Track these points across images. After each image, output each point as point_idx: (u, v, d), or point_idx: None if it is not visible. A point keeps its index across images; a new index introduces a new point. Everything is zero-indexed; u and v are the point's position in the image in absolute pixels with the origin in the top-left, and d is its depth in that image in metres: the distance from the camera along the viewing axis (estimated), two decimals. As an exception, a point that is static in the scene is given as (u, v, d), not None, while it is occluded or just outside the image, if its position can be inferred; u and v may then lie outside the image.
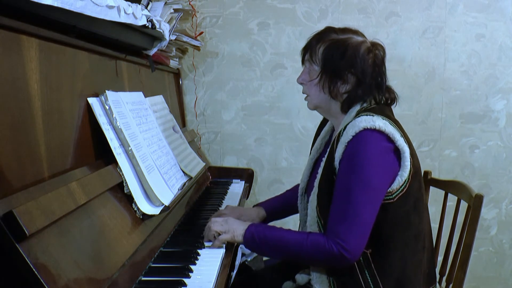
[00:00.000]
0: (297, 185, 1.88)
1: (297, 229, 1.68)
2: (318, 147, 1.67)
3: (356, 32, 1.50)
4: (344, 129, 1.38)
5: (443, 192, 1.88)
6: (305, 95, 1.55)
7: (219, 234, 1.47)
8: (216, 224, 1.49)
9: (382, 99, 1.48)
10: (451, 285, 1.65)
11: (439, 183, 1.95)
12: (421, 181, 1.46)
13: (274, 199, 1.91)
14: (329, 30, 1.51)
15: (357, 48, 1.44)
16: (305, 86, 1.54)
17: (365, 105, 1.46)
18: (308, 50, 1.52)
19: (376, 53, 1.47)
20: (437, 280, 1.63)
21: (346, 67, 1.44)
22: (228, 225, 1.48)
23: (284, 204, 1.85)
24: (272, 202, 1.88)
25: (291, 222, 2.06)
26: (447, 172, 2.86)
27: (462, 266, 1.59)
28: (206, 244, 1.49)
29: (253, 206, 1.87)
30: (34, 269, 0.85)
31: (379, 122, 1.34)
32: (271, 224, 1.74)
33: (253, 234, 1.43)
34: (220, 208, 1.93)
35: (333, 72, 1.46)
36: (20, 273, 0.86)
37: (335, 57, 1.45)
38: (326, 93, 1.48)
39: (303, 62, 1.55)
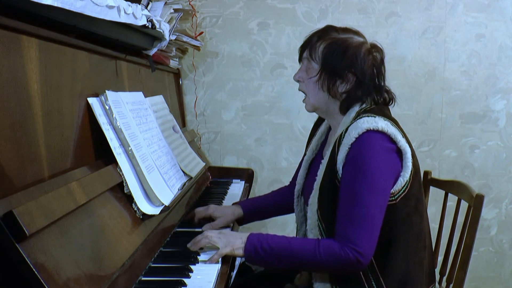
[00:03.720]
0: (283, 187, 1.87)
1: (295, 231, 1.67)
2: (314, 148, 1.65)
3: (356, 33, 1.50)
4: (345, 131, 1.37)
5: (443, 192, 1.88)
6: (304, 96, 1.53)
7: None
8: (212, 238, 1.41)
9: (380, 100, 1.48)
10: (451, 285, 1.65)
11: (439, 183, 1.94)
12: (421, 180, 1.46)
13: (255, 199, 1.88)
14: (330, 28, 1.50)
15: (358, 49, 1.44)
16: (302, 83, 1.52)
17: (364, 105, 1.45)
18: (307, 47, 1.50)
19: (375, 55, 1.46)
20: (437, 280, 1.63)
21: (346, 66, 1.43)
22: (226, 237, 1.41)
23: (264, 205, 1.82)
24: (252, 202, 1.85)
25: (292, 223, 2.05)
26: (447, 172, 2.86)
27: (462, 266, 1.59)
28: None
29: (232, 204, 1.83)
30: (34, 269, 0.85)
31: (381, 123, 1.34)
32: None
33: (255, 246, 1.36)
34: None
35: (332, 71, 1.44)
36: (20, 273, 0.86)
37: (336, 55, 1.44)
38: (325, 91, 1.46)
39: (300, 59, 1.54)
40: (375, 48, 1.48)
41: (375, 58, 1.46)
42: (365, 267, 1.34)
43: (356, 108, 1.45)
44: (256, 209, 1.81)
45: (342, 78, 1.45)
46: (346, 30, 1.50)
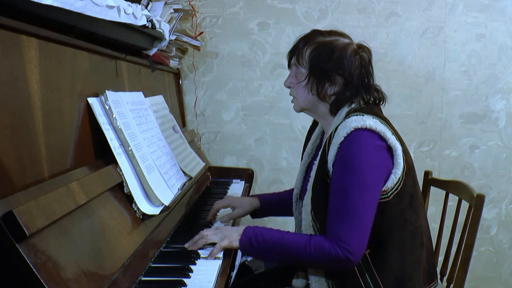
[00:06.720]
0: (293, 189, 1.88)
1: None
2: (309, 152, 1.67)
3: (342, 35, 1.52)
4: (335, 131, 1.38)
5: (444, 192, 1.88)
6: (292, 98, 1.56)
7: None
8: (209, 236, 1.44)
9: (370, 99, 1.48)
10: (452, 285, 1.65)
11: (440, 183, 1.94)
12: (415, 177, 1.46)
13: (272, 194, 1.92)
14: (315, 32, 1.53)
15: (344, 50, 1.46)
16: (292, 89, 1.55)
17: (353, 105, 1.46)
18: (294, 53, 1.53)
19: (362, 55, 1.48)
20: (438, 277, 1.63)
21: (333, 69, 1.45)
22: (222, 232, 1.45)
23: (280, 201, 1.85)
24: (269, 196, 1.89)
25: (292, 223, 2.05)
26: (447, 172, 2.86)
27: (463, 266, 1.59)
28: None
29: (250, 196, 1.88)
30: (34, 269, 0.85)
31: (369, 121, 1.35)
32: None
33: (251, 238, 1.40)
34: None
35: (320, 74, 1.46)
36: (20, 273, 0.86)
37: (322, 59, 1.46)
38: (314, 95, 1.48)
39: (289, 65, 1.56)
40: (361, 48, 1.49)
41: (362, 58, 1.48)
42: (355, 264, 1.35)
43: (346, 109, 1.46)
44: (272, 204, 1.84)
45: (330, 81, 1.47)
46: (331, 33, 1.52)
